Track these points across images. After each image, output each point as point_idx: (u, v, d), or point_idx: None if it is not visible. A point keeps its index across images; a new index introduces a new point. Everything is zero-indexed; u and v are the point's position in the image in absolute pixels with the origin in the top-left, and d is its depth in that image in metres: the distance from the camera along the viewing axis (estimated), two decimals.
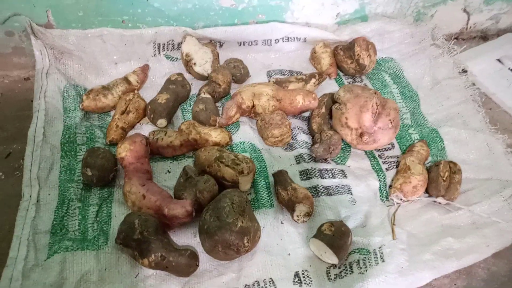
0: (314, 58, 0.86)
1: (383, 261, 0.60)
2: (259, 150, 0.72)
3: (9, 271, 0.54)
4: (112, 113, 0.74)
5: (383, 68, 0.88)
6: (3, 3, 0.70)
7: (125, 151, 0.64)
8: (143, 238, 0.55)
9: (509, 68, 0.92)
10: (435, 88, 0.84)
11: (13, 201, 0.62)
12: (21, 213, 0.60)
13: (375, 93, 0.69)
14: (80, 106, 0.73)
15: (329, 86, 0.84)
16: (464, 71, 0.87)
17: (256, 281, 0.57)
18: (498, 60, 0.94)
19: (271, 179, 0.68)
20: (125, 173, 0.64)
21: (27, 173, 0.64)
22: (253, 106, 0.73)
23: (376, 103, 0.68)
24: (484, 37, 1.01)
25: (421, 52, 0.89)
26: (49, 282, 0.55)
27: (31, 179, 0.63)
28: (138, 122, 0.73)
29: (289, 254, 0.60)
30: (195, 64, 0.79)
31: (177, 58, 0.82)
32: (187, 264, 0.56)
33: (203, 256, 0.59)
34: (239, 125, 0.74)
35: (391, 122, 0.68)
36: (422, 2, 0.89)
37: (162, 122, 0.72)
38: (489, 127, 0.78)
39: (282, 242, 0.62)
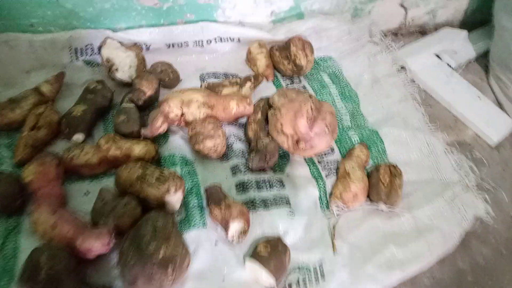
0: (249, 59, 0.81)
1: (324, 280, 0.56)
2: (191, 163, 0.66)
3: None
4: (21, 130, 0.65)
5: (321, 68, 0.84)
6: None
7: (32, 174, 0.56)
8: (51, 278, 0.48)
9: (447, 63, 0.92)
10: (375, 86, 0.82)
11: None
12: None
13: (310, 97, 0.65)
14: None
15: (267, 89, 0.79)
16: (403, 67, 0.86)
17: None
18: (436, 55, 0.93)
19: (203, 196, 0.62)
20: (34, 199, 0.56)
21: None
22: (183, 114, 0.67)
23: (311, 107, 0.63)
24: (422, 31, 1.01)
25: (359, 50, 0.86)
26: None
27: None
28: (51, 138, 0.65)
29: (223, 280, 0.55)
30: (117, 69, 0.71)
31: (98, 64, 0.74)
32: None
33: None
34: (168, 135, 0.68)
35: (328, 127, 0.65)
36: None
37: (78, 137, 0.64)
38: (429, 126, 0.77)
39: (217, 265, 0.56)
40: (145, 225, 0.51)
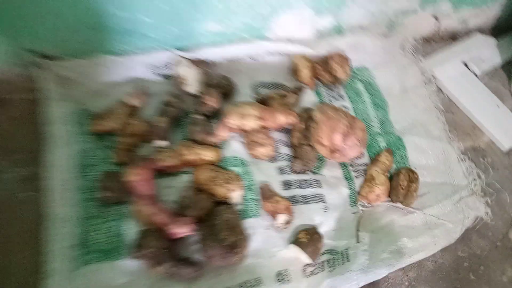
0: (295, 70, 0.95)
1: (348, 260, 0.74)
2: (247, 164, 0.83)
3: (52, 281, 0.68)
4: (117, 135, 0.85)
5: (357, 77, 0.97)
6: (15, 43, 0.78)
7: (134, 176, 0.75)
8: (156, 251, 0.69)
9: (473, 72, 1.02)
10: (403, 96, 0.95)
11: (37, 219, 0.75)
12: (52, 230, 0.73)
13: (345, 116, 0.80)
14: (90, 129, 0.83)
15: (309, 96, 0.94)
16: (432, 78, 0.97)
17: (247, 280, 0.72)
18: (464, 63, 1.03)
19: (258, 191, 0.80)
20: (134, 194, 0.76)
21: (52, 194, 0.76)
22: (241, 125, 0.84)
23: (345, 124, 0.78)
24: (454, 37, 1.10)
25: (391, 62, 0.98)
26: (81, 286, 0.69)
27: (56, 199, 0.75)
28: (141, 142, 0.84)
29: (273, 256, 0.75)
30: (187, 85, 0.88)
31: (172, 78, 0.91)
32: (192, 271, 0.70)
33: (204, 264, 0.73)
34: (229, 142, 0.85)
35: (359, 141, 0.80)
36: (394, 12, 0.96)
37: (163, 143, 0.83)
38: (448, 135, 0.90)
39: (267, 246, 0.76)
40: (218, 217, 0.71)
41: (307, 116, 0.86)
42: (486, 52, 1.04)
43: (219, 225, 0.70)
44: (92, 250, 0.72)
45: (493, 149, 0.93)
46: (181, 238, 0.74)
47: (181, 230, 0.71)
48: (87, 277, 0.70)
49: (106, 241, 0.74)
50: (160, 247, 0.69)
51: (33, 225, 0.76)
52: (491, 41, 1.06)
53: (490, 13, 1.06)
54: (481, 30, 1.09)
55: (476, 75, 1.01)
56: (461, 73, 1.01)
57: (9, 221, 0.77)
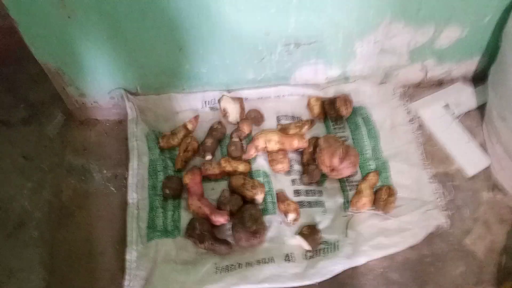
0: (309, 107, 1.25)
1: (337, 250, 1.02)
2: (268, 175, 1.13)
3: (129, 249, 1.00)
4: (177, 149, 1.17)
5: (358, 113, 1.26)
6: (110, 83, 1.12)
7: (188, 179, 1.07)
8: (201, 233, 1.00)
9: (452, 113, 1.28)
10: (392, 130, 1.22)
11: (122, 206, 1.08)
12: (130, 214, 1.05)
13: (342, 144, 1.09)
14: (158, 145, 1.16)
15: (319, 127, 1.24)
16: (416, 117, 1.24)
17: (263, 258, 1.01)
18: (445, 105, 1.30)
19: (275, 196, 1.10)
20: (188, 192, 1.08)
21: (130, 189, 1.08)
22: (265, 147, 1.14)
23: (342, 151, 1.08)
24: (440, 83, 1.36)
25: (385, 103, 1.26)
26: (150, 254, 1.00)
27: (133, 193, 1.08)
28: (193, 156, 1.16)
29: (283, 243, 1.04)
30: (229, 115, 1.20)
31: (217, 109, 1.23)
32: (225, 248, 1.00)
33: (233, 243, 1.03)
34: (256, 158, 1.16)
35: (352, 164, 1.09)
36: (389, 67, 1.25)
37: (209, 157, 1.14)
38: (423, 162, 1.17)
39: (280, 235, 1.05)
40: (246, 212, 1.01)
41: (315, 143, 1.16)
42: (464, 97, 1.30)
43: (246, 217, 1.00)
44: (157, 230, 1.04)
45: (460, 175, 1.19)
46: (219, 225, 1.05)
47: (219, 219, 1.02)
48: (153, 247, 1.01)
49: (167, 224, 1.06)
50: (204, 230, 1.00)
51: (118, 210, 1.09)
52: (469, 88, 1.32)
53: (469, 67, 1.32)
54: (463, 78, 1.35)
55: (454, 115, 1.27)
56: (441, 113, 1.27)
57: (100, 207, 1.10)
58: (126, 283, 0.95)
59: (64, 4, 0.86)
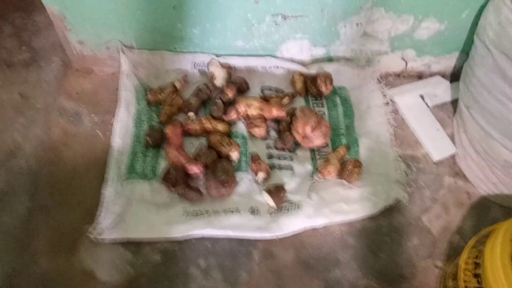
0: (292, 82, 1.33)
1: (299, 208, 1.09)
2: (246, 138, 1.21)
3: (106, 185, 1.07)
4: (163, 104, 1.25)
5: (337, 93, 1.33)
6: (108, 33, 1.20)
7: (169, 130, 1.14)
8: (175, 179, 1.07)
9: (426, 103, 1.36)
10: (367, 111, 1.30)
11: (106, 149, 1.15)
12: (111, 156, 1.12)
13: (315, 115, 1.16)
14: (146, 98, 1.24)
15: (299, 101, 1.31)
16: (391, 101, 1.32)
17: (229, 208, 1.08)
18: (421, 95, 1.37)
19: (249, 156, 1.18)
20: (168, 142, 1.15)
21: (115, 134, 1.16)
22: (246, 111, 1.22)
23: (314, 121, 1.15)
24: (420, 76, 1.44)
25: (363, 86, 1.33)
26: (125, 192, 1.07)
27: (117, 137, 1.15)
28: (177, 112, 1.24)
29: (250, 198, 1.11)
30: (215, 79, 1.27)
31: (205, 72, 1.31)
32: (196, 195, 1.07)
33: (205, 193, 1.10)
34: (236, 123, 1.23)
35: (322, 133, 1.16)
36: (371, 52, 1.32)
37: (191, 114, 1.21)
38: (392, 143, 1.24)
39: (248, 191, 1.12)
40: (219, 164, 1.08)
41: (292, 113, 1.23)
42: (440, 90, 1.38)
43: (218, 167, 1.07)
44: (135, 172, 1.11)
45: (426, 159, 1.26)
46: (193, 176, 1.12)
47: (194, 168, 1.10)
48: (130, 187, 1.09)
49: (144, 168, 1.13)
50: (178, 177, 1.08)
51: (102, 153, 1.16)
52: (446, 83, 1.39)
53: (448, 62, 1.39)
54: (442, 74, 1.43)
55: (427, 106, 1.35)
56: (416, 102, 1.35)
57: (86, 148, 1.18)
58: (99, 214, 1.03)
59: None
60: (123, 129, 1.17)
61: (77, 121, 1.21)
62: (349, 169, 1.16)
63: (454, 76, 1.43)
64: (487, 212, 1.19)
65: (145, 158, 1.15)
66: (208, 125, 1.18)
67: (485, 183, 1.20)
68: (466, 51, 1.33)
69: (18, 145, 1.16)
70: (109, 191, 1.06)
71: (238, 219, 1.07)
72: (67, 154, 1.16)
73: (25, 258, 1.00)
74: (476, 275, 0.89)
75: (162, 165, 1.14)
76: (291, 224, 1.07)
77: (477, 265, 0.90)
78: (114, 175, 1.09)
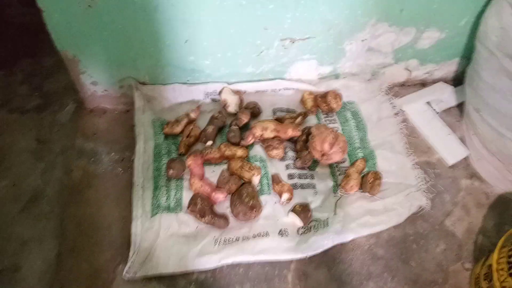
0: (302, 101, 1.36)
1: (327, 226, 1.11)
2: (265, 160, 1.22)
3: (134, 223, 1.08)
4: (180, 136, 1.26)
5: (347, 108, 1.37)
6: (121, 72, 1.23)
7: (190, 161, 1.16)
8: (202, 207, 1.08)
9: (433, 109, 1.39)
10: (378, 123, 1.33)
11: (128, 186, 1.16)
12: (135, 192, 1.13)
13: (332, 131, 1.19)
14: (163, 131, 1.25)
15: (311, 119, 1.34)
16: (400, 111, 1.36)
17: (259, 232, 1.09)
18: (428, 102, 1.41)
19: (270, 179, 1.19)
20: (190, 173, 1.16)
21: (137, 170, 1.17)
22: (262, 134, 1.24)
23: (332, 137, 1.18)
24: (423, 84, 1.48)
25: (372, 99, 1.37)
26: (153, 228, 1.08)
27: (139, 174, 1.16)
28: (195, 142, 1.25)
29: (277, 220, 1.12)
30: (229, 106, 1.30)
31: (218, 100, 1.34)
32: (224, 222, 1.09)
33: (232, 219, 1.12)
34: (253, 145, 1.25)
35: (341, 149, 1.18)
36: (376, 65, 1.36)
37: (210, 143, 1.23)
38: (407, 151, 1.27)
39: (274, 213, 1.13)
40: (244, 189, 1.10)
41: (307, 132, 1.26)
42: (445, 96, 1.42)
43: (244, 193, 1.09)
44: (160, 206, 1.12)
45: (441, 164, 1.29)
46: (219, 203, 1.13)
47: (219, 196, 1.11)
48: (157, 221, 1.09)
49: (170, 201, 1.14)
50: (205, 205, 1.09)
51: (124, 189, 1.17)
52: (449, 88, 1.43)
53: (450, 68, 1.44)
54: (444, 79, 1.47)
55: (435, 112, 1.38)
56: (424, 109, 1.38)
57: (108, 187, 1.18)
58: (131, 253, 1.03)
59: None
60: (144, 164, 1.18)
61: (97, 161, 1.22)
62: (370, 181, 1.18)
63: (456, 81, 1.48)
64: (507, 210, 1.22)
65: (168, 191, 1.16)
66: (227, 151, 1.20)
67: (502, 181, 1.23)
68: (466, 56, 1.38)
69: (41, 190, 1.16)
70: (137, 228, 1.07)
71: (269, 242, 1.08)
72: (90, 194, 1.16)
73: None
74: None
75: (187, 196, 1.15)
76: (321, 243, 1.08)
77: (511, 264, 0.92)
78: (140, 211, 1.10)
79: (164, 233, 1.08)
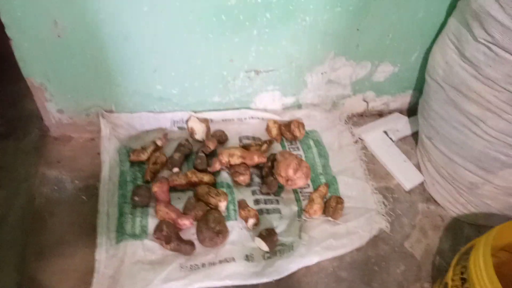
0: (267, 129, 1.41)
1: (292, 250, 1.13)
2: (231, 187, 1.25)
3: (99, 250, 1.06)
4: (146, 164, 1.27)
5: (309, 136, 1.43)
6: (88, 100, 1.24)
7: (156, 188, 1.16)
8: (167, 234, 1.08)
9: (389, 137, 1.48)
10: (339, 151, 1.40)
11: (92, 213, 1.15)
12: (100, 220, 1.12)
13: (296, 158, 1.24)
14: (129, 159, 1.26)
15: (276, 147, 1.39)
16: (359, 139, 1.43)
17: (225, 258, 1.10)
18: (385, 131, 1.50)
19: (237, 204, 1.21)
20: (156, 199, 1.17)
21: (101, 198, 1.16)
22: (229, 161, 1.27)
23: (295, 163, 1.22)
24: (380, 114, 1.58)
25: (333, 128, 1.44)
26: (118, 255, 1.07)
27: (103, 201, 1.16)
28: (161, 169, 1.27)
29: (243, 246, 1.14)
30: (196, 133, 1.33)
31: (184, 128, 1.36)
32: (190, 248, 1.09)
33: (198, 245, 1.12)
34: (220, 172, 1.28)
35: (304, 174, 1.23)
36: (335, 96, 1.45)
37: (176, 170, 1.25)
38: (367, 177, 1.33)
39: (241, 238, 1.15)
40: (211, 215, 1.11)
41: (272, 158, 1.30)
42: (400, 125, 1.51)
43: (210, 219, 1.10)
44: (125, 234, 1.11)
45: (399, 189, 1.36)
46: (184, 229, 1.14)
47: (185, 222, 1.11)
48: (122, 248, 1.08)
49: (135, 228, 1.13)
50: (170, 232, 1.09)
51: (89, 217, 1.15)
52: (404, 118, 1.54)
53: (404, 99, 1.55)
54: (399, 110, 1.58)
55: (392, 140, 1.47)
56: (381, 138, 1.47)
57: (72, 214, 1.17)
58: (94, 280, 1.01)
59: (56, 23, 0.99)
60: (109, 192, 1.18)
61: (60, 189, 1.20)
62: (333, 206, 1.22)
63: (410, 111, 1.58)
64: (461, 232, 1.29)
65: (134, 218, 1.15)
66: (194, 178, 1.22)
67: (454, 205, 1.31)
68: (418, 89, 1.49)
69: (2, 217, 1.13)
70: (101, 256, 1.06)
71: (235, 267, 1.08)
72: (53, 222, 1.14)
73: None
74: None
75: (152, 223, 1.14)
76: (287, 266, 1.10)
77: (463, 280, 0.97)
78: (105, 238, 1.09)
79: (129, 260, 1.06)
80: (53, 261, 1.06)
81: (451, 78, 1.16)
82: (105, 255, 1.06)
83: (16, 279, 1.02)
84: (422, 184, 1.38)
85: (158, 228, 1.10)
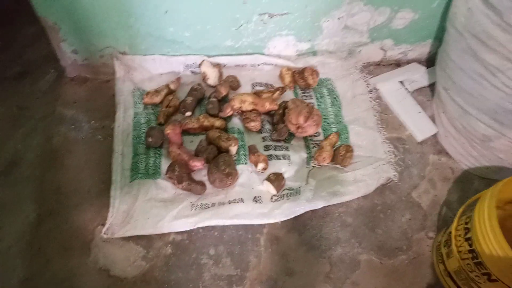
0: (281, 76, 1.40)
1: (299, 194, 1.16)
2: (242, 132, 1.27)
3: (114, 187, 1.11)
4: (160, 106, 1.29)
5: (323, 84, 1.41)
6: (101, 41, 1.24)
7: (169, 130, 1.19)
8: (179, 174, 1.12)
9: (405, 88, 1.45)
10: (353, 100, 1.38)
11: (108, 152, 1.19)
12: (115, 159, 1.16)
13: (307, 105, 1.24)
14: (142, 101, 1.28)
15: (289, 94, 1.38)
16: (374, 89, 1.41)
17: (234, 199, 1.14)
18: (401, 82, 1.47)
19: (247, 149, 1.24)
20: (169, 141, 1.20)
21: (116, 138, 1.20)
22: (240, 107, 1.28)
23: (307, 111, 1.22)
24: (397, 64, 1.54)
25: (347, 76, 1.42)
26: (132, 192, 1.12)
27: (118, 141, 1.19)
28: (174, 112, 1.29)
29: (252, 188, 1.17)
30: (208, 78, 1.33)
31: (198, 73, 1.37)
32: (200, 188, 1.13)
33: (208, 186, 1.16)
34: (231, 118, 1.29)
35: (315, 122, 1.23)
36: (352, 44, 1.41)
37: (189, 113, 1.27)
38: (378, 127, 1.33)
39: (249, 181, 1.18)
40: (221, 158, 1.14)
41: (284, 106, 1.30)
42: (417, 76, 1.47)
43: (220, 161, 1.13)
44: (139, 172, 1.16)
45: (411, 140, 1.35)
46: (196, 170, 1.17)
47: (197, 164, 1.15)
48: (136, 186, 1.13)
49: (148, 168, 1.18)
50: (182, 172, 1.13)
51: (104, 156, 1.20)
52: (422, 68, 1.49)
53: (423, 49, 1.49)
54: (418, 61, 1.53)
55: (408, 91, 1.44)
56: (397, 88, 1.44)
57: (88, 153, 1.21)
58: (109, 214, 1.07)
59: None
60: (123, 132, 1.21)
61: (77, 128, 1.24)
62: (342, 154, 1.23)
63: (429, 62, 1.53)
64: (470, 185, 1.29)
65: (147, 158, 1.19)
66: (206, 122, 1.24)
67: (466, 158, 1.30)
68: (438, 38, 1.44)
69: (21, 155, 1.18)
70: (116, 192, 1.11)
71: (243, 208, 1.12)
72: (70, 160, 1.19)
73: (39, 262, 1.03)
74: (467, 239, 0.97)
75: (165, 164, 1.18)
76: (293, 209, 1.13)
77: (467, 230, 0.99)
78: (119, 176, 1.13)
79: (142, 198, 1.12)
80: (70, 196, 1.12)
81: (472, 26, 1.11)
82: (119, 191, 1.11)
83: (36, 212, 1.09)
84: (435, 136, 1.37)
85: (170, 168, 1.14)
